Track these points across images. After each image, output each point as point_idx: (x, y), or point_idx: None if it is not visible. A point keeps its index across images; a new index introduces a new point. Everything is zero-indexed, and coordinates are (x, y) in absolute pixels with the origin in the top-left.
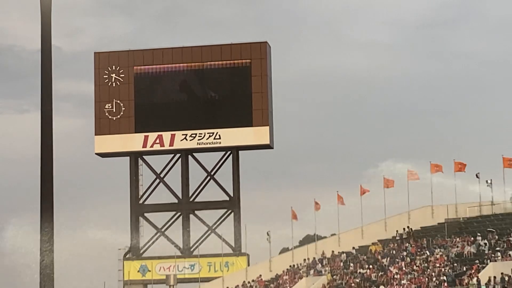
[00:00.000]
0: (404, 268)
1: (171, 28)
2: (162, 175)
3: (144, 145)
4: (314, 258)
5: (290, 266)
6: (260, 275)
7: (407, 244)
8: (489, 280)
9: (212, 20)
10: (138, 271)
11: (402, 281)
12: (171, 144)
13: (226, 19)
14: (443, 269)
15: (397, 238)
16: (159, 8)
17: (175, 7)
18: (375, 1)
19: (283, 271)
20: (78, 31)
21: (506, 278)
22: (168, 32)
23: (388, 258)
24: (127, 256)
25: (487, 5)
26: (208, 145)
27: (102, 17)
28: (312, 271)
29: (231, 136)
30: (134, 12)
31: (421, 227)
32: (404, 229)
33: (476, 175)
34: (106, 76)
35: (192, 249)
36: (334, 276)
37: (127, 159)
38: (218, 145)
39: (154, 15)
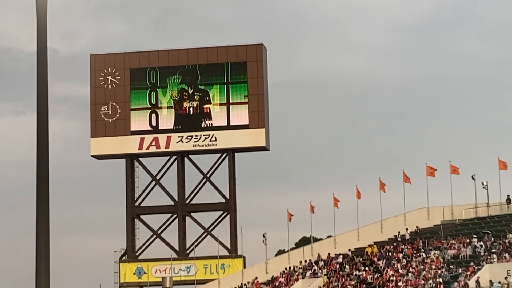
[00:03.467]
0: (400, 270)
1: (167, 30)
2: (158, 177)
3: (140, 147)
4: (310, 260)
5: (286, 268)
6: (256, 277)
7: (403, 246)
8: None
9: (208, 22)
10: (134, 273)
11: (398, 283)
12: (167, 146)
13: (222, 21)
14: (439, 271)
15: (399, 239)
16: (155, 10)
17: (171, 9)
18: (372, 3)
19: (279, 273)
20: (75, 34)
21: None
22: (164, 34)
23: (384, 260)
24: (123, 258)
25: (483, 7)
26: (204, 147)
27: (98, 19)
28: (308, 273)
29: (227, 138)
30: (130, 14)
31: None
32: (407, 229)
33: (472, 177)
34: (102, 78)
35: (188, 251)
36: (330, 278)
37: (123, 161)
38: (214, 147)
39: (150, 17)
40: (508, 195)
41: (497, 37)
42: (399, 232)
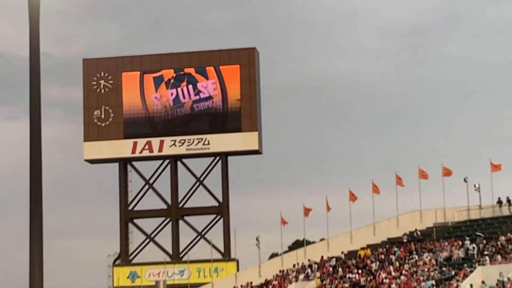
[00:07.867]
0: (393, 273)
1: (160, 34)
2: (151, 181)
3: (133, 151)
4: (303, 263)
5: (280, 271)
6: (251, 282)
7: (395, 249)
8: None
9: (201, 26)
10: (128, 277)
11: (391, 286)
12: (160, 150)
13: (215, 25)
14: (431, 273)
15: (405, 240)
16: (148, 14)
17: (164, 13)
18: (364, 7)
19: (273, 276)
20: (69, 38)
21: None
22: (157, 38)
23: (377, 263)
24: (116, 262)
25: (477, 10)
26: (197, 151)
27: (92, 24)
28: (301, 276)
29: (219, 141)
30: (124, 19)
31: (409, 232)
32: (416, 229)
33: (464, 179)
34: (95, 83)
35: (181, 255)
36: (323, 281)
37: (116, 165)
38: (207, 150)
39: (144, 21)
40: (499, 197)
41: (490, 40)
42: (416, 229)
